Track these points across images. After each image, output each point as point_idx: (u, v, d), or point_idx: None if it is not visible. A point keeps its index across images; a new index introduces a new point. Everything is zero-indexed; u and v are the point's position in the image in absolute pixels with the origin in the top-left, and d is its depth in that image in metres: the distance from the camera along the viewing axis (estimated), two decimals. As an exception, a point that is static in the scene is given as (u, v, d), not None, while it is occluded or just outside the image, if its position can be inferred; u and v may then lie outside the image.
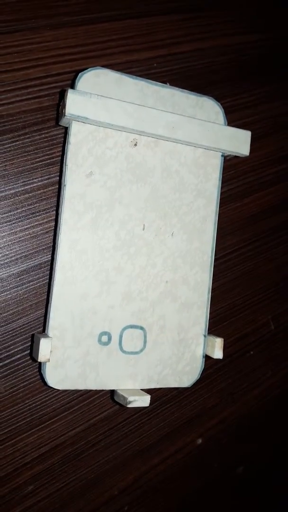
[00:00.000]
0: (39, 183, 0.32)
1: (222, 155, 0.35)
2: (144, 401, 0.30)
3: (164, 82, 0.37)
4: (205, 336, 0.34)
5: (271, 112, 0.43)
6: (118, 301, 0.31)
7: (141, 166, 0.32)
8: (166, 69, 0.38)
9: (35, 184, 0.32)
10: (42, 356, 0.28)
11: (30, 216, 0.32)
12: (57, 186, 0.33)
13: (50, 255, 0.33)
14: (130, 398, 0.30)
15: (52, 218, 0.33)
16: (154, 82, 0.34)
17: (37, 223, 0.32)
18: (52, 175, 0.33)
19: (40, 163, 0.32)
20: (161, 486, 0.41)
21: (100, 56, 0.35)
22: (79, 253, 0.30)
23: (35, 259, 0.32)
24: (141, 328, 0.32)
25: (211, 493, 0.45)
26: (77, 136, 0.30)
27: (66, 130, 0.32)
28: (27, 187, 0.32)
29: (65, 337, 0.29)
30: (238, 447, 0.45)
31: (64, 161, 0.30)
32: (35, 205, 0.32)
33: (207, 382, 0.41)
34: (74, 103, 0.28)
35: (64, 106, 0.29)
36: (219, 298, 0.41)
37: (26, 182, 0.32)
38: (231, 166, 0.41)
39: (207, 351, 0.34)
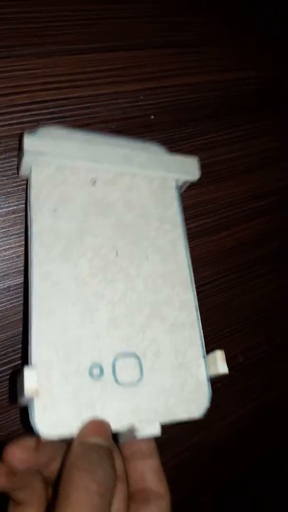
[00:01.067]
0: (14, 207, 0.33)
1: (176, 183, 0.36)
2: (154, 428, 0.27)
3: (149, 115, 0.38)
4: (204, 357, 0.31)
5: (256, 148, 0.44)
6: (103, 329, 0.29)
7: (103, 200, 0.33)
8: (152, 102, 0.39)
9: (10, 208, 0.33)
10: (28, 389, 0.24)
11: (4, 238, 0.33)
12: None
13: (21, 279, 0.33)
14: (137, 425, 0.26)
15: (23, 242, 0.33)
16: (102, 133, 0.35)
17: (8, 246, 0.33)
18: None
19: (17, 188, 0.33)
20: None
21: (88, 86, 0.36)
22: (54, 283, 0.29)
23: (5, 282, 0.33)
24: (134, 355, 0.29)
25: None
26: (38, 178, 0.31)
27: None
28: (1, 211, 0.33)
29: (51, 374, 0.26)
30: (205, 474, 0.46)
31: (28, 200, 0.30)
32: (8, 229, 0.33)
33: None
34: (31, 141, 0.30)
35: (21, 147, 0.30)
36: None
37: (1, 206, 0.33)
38: (210, 200, 0.42)
39: (210, 371, 0.31)
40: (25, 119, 0.33)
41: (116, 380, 0.28)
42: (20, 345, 0.34)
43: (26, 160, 0.30)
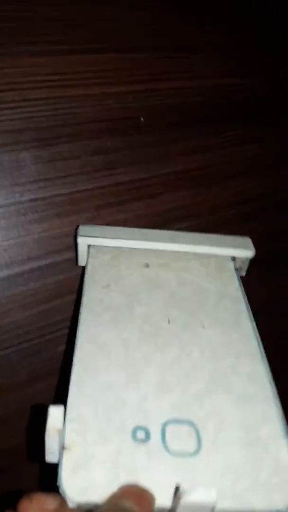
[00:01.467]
0: (1, 202, 0.33)
1: (233, 263, 0.36)
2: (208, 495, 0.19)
3: (138, 117, 0.39)
4: (285, 437, 0.24)
5: (241, 155, 0.45)
6: (151, 392, 0.25)
7: (156, 279, 0.34)
8: (142, 104, 0.39)
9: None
10: (51, 427, 0.21)
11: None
12: (20, 206, 0.34)
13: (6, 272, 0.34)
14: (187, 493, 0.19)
15: (12, 237, 0.34)
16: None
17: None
18: (16, 195, 0.34)
19: (5, 184, 0.34)
20: None
21: (78, 86, 0.36)
22: (100, 345, 0.27)
23: None
24: (190, 423, 0.24)
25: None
26: (94, 262, 0.34)
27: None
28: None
29: (88, 430, 0.23)
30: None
31: (84, 278, 0.33)
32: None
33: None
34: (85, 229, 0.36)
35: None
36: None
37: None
38: (195, 204, 0.42)
39: None
40: (15, 116, 0.34)
41: (166, 447, 0.23)
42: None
43: (82, 248, 0.35)
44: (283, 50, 0.47)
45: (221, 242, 0.37)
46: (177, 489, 0.21)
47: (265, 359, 0.28)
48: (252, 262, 0.37)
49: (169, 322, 0.30)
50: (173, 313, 0.31)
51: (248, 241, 0.37)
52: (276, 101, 0.47)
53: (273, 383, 0.27)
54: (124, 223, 0.39)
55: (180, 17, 0.41)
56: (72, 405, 0.24)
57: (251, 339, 0.30)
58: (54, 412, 0.22)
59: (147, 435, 0.23)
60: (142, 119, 0.39)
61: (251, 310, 0.31)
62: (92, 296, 0.31)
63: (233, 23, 0.44)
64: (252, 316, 0.31)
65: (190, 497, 0.19)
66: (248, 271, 0.37)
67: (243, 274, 0.37)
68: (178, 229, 0.41)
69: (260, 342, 0.29)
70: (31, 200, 0.35)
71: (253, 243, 0.37)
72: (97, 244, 0.35)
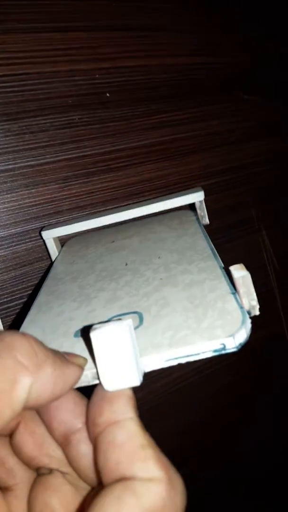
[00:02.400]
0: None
1: (193, 212, 0.40)
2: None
3: (104, 93, 0.41)
4: (233, 293, 0.23)
5: (204, 131, 0.47)
6: (100, 306, 0.26)
7: (119, 246, 0.36)
8: (108, 81, 0.41)
9: None
10: None
11: None
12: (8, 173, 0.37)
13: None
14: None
15: (9, 198, 0.36)
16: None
17: None
18: (-14, 167, 0.36)
19: (-25, 155, 0.36)
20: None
21: (46, 63, 0.38)
22: (57, 294, 0.29)
23: None
24: (134, 312, 0.24)
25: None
26: (64, 251, 0.38)
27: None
28: None
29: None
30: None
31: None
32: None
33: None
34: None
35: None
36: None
37: None
38: (163, 177, 0.45)
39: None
40: (-16, 91, 0.36)
41: None
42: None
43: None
44: (245, 30, 0.49)
45: (174, 197, 0.40)
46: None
47: (219, 260, 0.28)
48: (215, 230, 0.39)
49: (126, 265, 0.31)
50: (132, 258, 0.32)
51: (199, 189, 0.40)
52: (238, 80, 0.49)
53: (223, 270, 0.26)
54: (90, 195, 0.41)
55: (145, -4, 0.43)
56: (24, 325, 0.25)
57: (206, 251, 0.30)
58: None
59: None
60: (108, 95, 0.41)
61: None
62: (57, 270, 0.33)
63: (198, 4, 0.46)
64: (212, 245, 0.31)
65: (101, 330, 0.18)
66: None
67: (207, 221, 0.40)
68: (143, 202, 0.44)
69: (217, 254, 0.29)
70: (1, 171, 0.37)
71: (217, 214, 0.40)
72: (60, 234, 0.38)
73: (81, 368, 0.19)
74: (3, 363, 0.15)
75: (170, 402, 0.50)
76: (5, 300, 0.39)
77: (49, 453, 0.19)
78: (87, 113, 0.40)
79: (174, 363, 0.19)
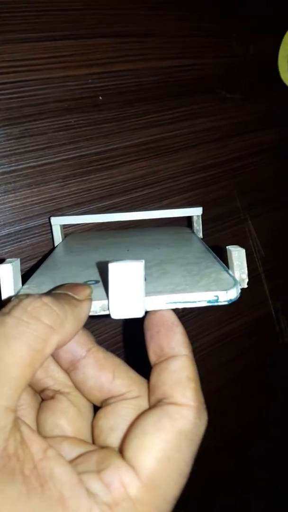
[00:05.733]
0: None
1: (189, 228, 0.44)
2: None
3: (97, 96, 0.44)
4: (226, 270, 0.27)
5: (191, 129, 0.50)
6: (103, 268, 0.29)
7: (119, 241, 0.39)
8: (100, 85, 0.44)
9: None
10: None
11: None
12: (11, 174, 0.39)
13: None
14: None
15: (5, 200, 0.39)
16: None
17: None
18: (-9, 169, 0.39)
19: (-19, 159, 0.38)
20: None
21: (42, 70, 0.41)
22: (61, 263, 0.32)
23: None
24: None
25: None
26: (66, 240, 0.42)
27: None
28: None
29: (43, 285, 0.26)
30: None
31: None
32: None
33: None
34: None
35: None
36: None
37: None
38: (153, 173, 0.48)
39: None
40: (-14, 99, 0.38)
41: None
42: None
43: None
44: (226, 31, 0.52)
45: (175, 209, 0.44)
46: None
47: (214, 254, 0.31)
48: (203, 222, 0.43)
49: (128, 250, 0.35)
50: (133, 248, 0.36)
51: (198, 208, 0.45)
52: (220, 79, 0.52)
53: (217, 258, 0.29)
54: (88, 192, 0.44)
55: (132, 5, 0.45)
56: (32, 278, 0.28)
57: (202, 248, 0.33)
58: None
59: (97, 282, 0.27)
60: (100, 98, 0.44)
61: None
62: (60, 248, 0.37)
63: (182, 9, 0.49)
64: (207, 246, 0.34)
65: (118, 263, 0.21)
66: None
67: (200, 236, 0.44)
68: (137, 197, 0.47)
69: (210, 250, 0.32)
70: (5, 172, 0.40)
71: (205, 206, 0.44)
72: (67, 222, 0.42)
73: (90, 300, 0.22)
74: (35, 329, 0.18)
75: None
76: (12, 293, 0.41)
77: (53, 376, 0.22)
78: (82, 116, 0.43)
79: (173, 306, 0.23)
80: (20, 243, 0.41)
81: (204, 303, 0.23)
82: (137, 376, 0.22)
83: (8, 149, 0.40)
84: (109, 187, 0.46)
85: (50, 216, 0.42)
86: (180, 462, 0.18)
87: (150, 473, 0.17)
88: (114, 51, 0.45)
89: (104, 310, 0.23)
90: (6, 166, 0.40)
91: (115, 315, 0.22)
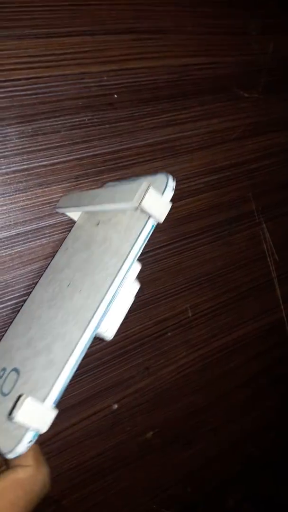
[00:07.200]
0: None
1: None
2: None
3: (112, 94, 0.43)
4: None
5: (207, 129, 0.49)
6: (23, 345, 0.35)
7: (93, 238, 0.37)
8: (116, 83, 0.43)
9: (-14, 174, 0.37)
10: None
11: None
12: (6, 177, 0.39)
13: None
14: None
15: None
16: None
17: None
18: (2, 167, 0.38)
19: (-7, 156, 0.38)
20: (77, 442, 0.48)
21: (57, 66, 0.40)
22: (30, 306, 0.39)
23: (-19, 239, 0.38)
24: (15, 370, 0.33)
25: (122, 452, 0.52)
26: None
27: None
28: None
29: None
30: (150, 415, 0.53)
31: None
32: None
33: (125, 357, 0.48)
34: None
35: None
36: (145, 286, 0.47)
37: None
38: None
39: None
40: (0, 95, 0.37)
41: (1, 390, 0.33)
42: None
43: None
44: (245, 30, 0.51)
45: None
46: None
47: (91, 328, 0.29)
48: (216, 224, 0.41)
49: (68, 286, 0.35)
50: (76, 276, 0.35)
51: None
52: (238, 78, 0.51)
53: (75, 352, 0.28)
54: (101, 192, 0.43)
55: (150, 2, 0.44)
56: None
57: (90, 311, 0.30)
58: None
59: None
60: (115, 96, 0.43)
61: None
62: (54, 261, 0.40)
63: (200, 7, 0.47)
64: (121, 279, 0.30)
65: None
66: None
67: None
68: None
69: (103, 311, 0.30)
70: (16, 171, 0.39)
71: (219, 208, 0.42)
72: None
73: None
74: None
75: (176, 387, 0.53)
76: (23, 293, 0.41)
77: None
78: (96, 114, 0.42)
79: None
80: (30, 243, 0.41)
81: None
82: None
83: (21, 147, 0.39)
84: (122, 188, 0.45)
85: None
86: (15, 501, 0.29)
87: None
88: (130, 48, 0.43)
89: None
90: (18, 164, 0.39)
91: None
